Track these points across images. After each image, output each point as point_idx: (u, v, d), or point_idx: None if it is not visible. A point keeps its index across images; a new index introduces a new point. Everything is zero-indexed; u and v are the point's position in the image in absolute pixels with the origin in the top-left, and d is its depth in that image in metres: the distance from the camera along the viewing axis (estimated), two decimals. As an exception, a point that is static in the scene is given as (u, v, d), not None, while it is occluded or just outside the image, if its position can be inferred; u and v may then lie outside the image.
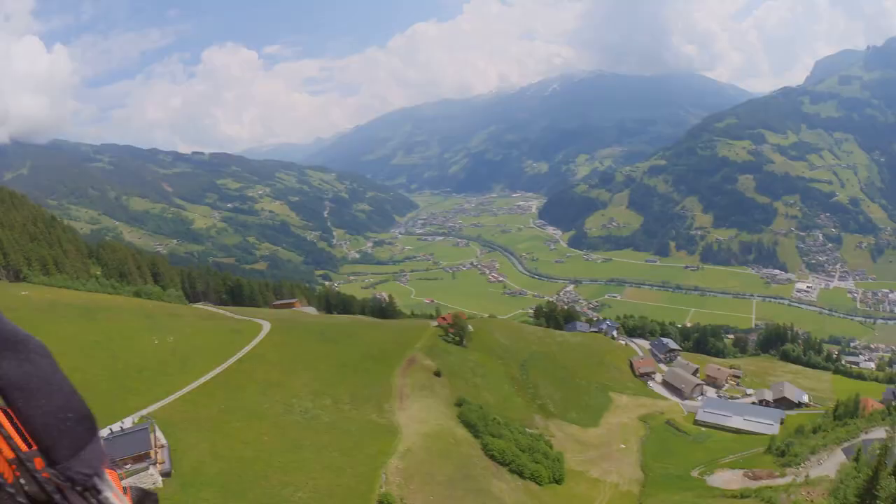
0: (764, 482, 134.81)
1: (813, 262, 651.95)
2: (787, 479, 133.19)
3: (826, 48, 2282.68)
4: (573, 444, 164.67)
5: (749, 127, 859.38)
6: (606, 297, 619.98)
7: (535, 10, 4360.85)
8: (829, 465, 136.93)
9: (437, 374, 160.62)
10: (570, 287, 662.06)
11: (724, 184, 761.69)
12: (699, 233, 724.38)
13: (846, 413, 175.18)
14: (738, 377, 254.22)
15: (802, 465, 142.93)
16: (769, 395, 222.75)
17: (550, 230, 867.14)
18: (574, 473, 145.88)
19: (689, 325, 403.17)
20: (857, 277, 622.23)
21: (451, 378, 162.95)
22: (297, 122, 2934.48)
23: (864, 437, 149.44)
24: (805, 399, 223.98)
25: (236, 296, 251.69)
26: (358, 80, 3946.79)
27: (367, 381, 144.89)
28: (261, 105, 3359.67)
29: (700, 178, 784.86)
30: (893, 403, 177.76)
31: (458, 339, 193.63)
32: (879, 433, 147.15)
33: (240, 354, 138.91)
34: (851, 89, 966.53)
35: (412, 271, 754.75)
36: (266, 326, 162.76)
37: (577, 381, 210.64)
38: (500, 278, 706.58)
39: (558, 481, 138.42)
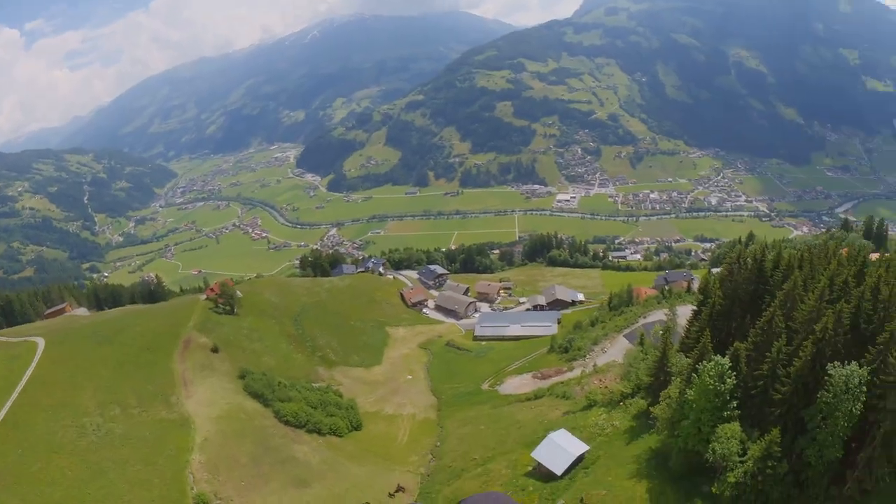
0: (554, 379, 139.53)
1: (573, 174, 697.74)
2: (576, 373, 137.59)
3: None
4: (361, 386, 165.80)
5: (509, 58, 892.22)
6: (370, 234, 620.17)
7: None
8: (614, 351, 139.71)
9: (215, 349, 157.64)
10: (333, 231, 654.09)
11: (482, 112, 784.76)
12: (458, 160, 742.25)
13: (621, 303, 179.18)
14: (509, 289, 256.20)
15: (588, 356, 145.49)
16: (542, 300, 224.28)
17: (309, 177, 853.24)
18: (370, 415, 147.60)
19: (454, 247, 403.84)
20: (617, 183, 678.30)
21: (230, 350, 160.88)
22: (58, 101, 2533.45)
23: (643, 321, 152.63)
24: (579, 297, 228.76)
25: (8, 315, 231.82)
26: (121, 47, 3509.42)
27: (149, 375, 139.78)
28: (21, 89, 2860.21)
29: (458, 109, 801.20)
30: (666, 288, 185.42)
31: (228, 307, 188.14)
32: (658, 316, 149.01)
33: (22, 383, 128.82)
34: (618, 19, 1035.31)
35: (176, 244, 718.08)
36: (41, 343, 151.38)
37: (352, 323, 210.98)
38: (264, 234, 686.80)
39: (357, 428, 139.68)
